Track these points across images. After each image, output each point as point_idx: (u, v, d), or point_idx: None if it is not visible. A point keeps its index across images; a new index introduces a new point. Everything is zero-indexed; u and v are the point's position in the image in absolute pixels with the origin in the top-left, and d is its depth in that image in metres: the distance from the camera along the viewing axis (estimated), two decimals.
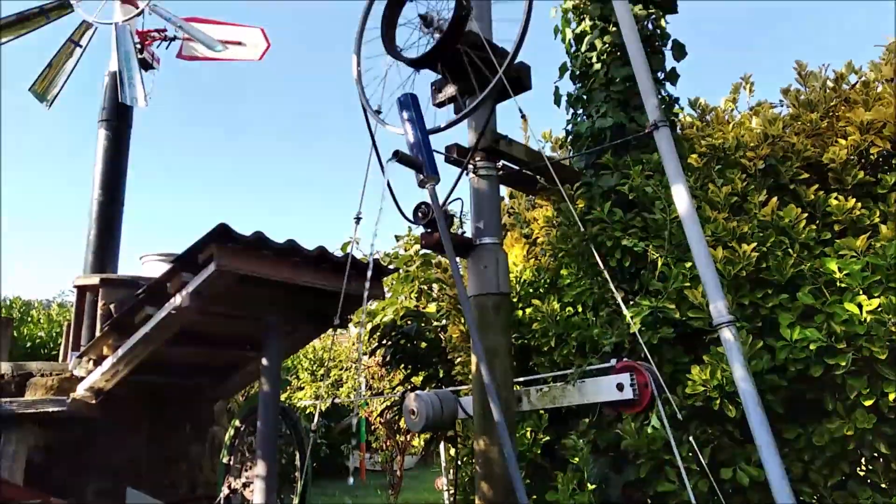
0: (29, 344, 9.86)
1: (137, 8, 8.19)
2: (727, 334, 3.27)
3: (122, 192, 7.64)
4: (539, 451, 4.36)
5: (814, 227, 3.99)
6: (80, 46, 8.02)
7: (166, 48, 8.65)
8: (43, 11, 8.01)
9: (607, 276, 3.84)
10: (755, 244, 3.90)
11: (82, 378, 5.87)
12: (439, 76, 4.40)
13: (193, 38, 8.32)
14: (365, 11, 4.40)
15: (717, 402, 3.74)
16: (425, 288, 6.94)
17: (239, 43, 8.97)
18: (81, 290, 6.61)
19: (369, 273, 4.03)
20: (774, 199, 4.06)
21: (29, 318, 10.29)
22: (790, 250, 3.92)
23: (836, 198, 4.04)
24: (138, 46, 8.10)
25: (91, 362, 5.93)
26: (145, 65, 8.20)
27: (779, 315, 3.83)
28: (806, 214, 4.00)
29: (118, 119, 7.75)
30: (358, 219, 4.47)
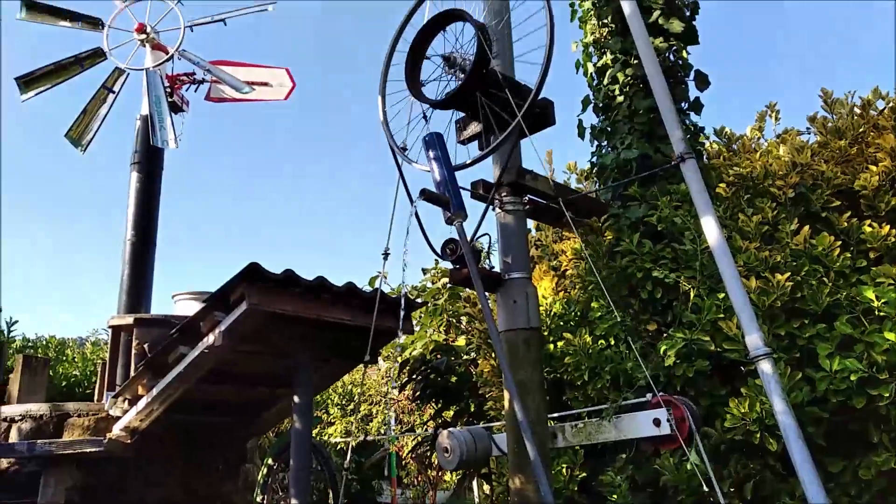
0: (64, 383, 10.01)
1: (167, 53, 8.43)
2: (765, 367, 3.22)
3: (155, 233, 7.79)
4: (576, 488, 4.31)
5: (848, 254, 3.94)
6: (113, 92, 8.26)
7: (195, 91, 8.88)
8: (78, 60, 8.29)
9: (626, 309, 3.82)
10: (789, 273, 3.86)
11: (118, 418, 5.94)
12: (464, 114, 4.47)
13: (221, 80, 8.54)
14: (388, 55, 4.50)
15: (758, 435, 3.67)
16: (454, 321, 6.94)
17: (265, 84, 9.18)
18: (116, 330, 6.72)
19: (402, 312, 4.04)
20: (806, 227, 4.02)
21: (64, 357, 10.47)
22: (825, 279, 3.86)
23: (869, 225, 3.99)
24: (168, 90, 8.33)
25: (126, 402, 6.01)
26: (175, 108, 8.42)
27: (817, 345, 3.76)
28: (839, 242, 3.95)
29: (150, 161, 7.94)
30: (386, 254, 4.51)
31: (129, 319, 6.70)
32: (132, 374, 6.11)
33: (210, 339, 5.17)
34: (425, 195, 3.76)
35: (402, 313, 4.01)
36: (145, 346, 6.64)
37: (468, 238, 3.85)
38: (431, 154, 4.01)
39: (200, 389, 5.90)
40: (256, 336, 5.32)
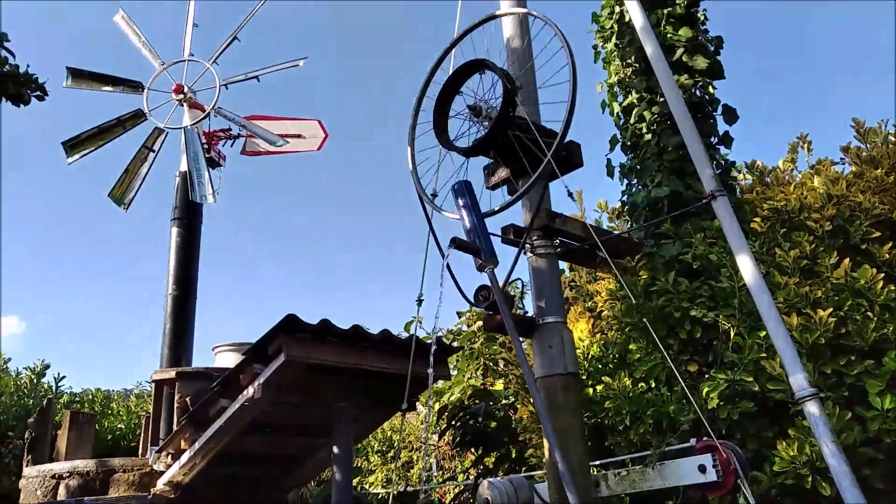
0: (110, 436, 10.17)
1: (204, 111, 8.73)
2: (811, 408, 3.12)
3: (195, 286, 7.97)
4: None
5: (893, 287, 3.82)
6: (154, 151, 8.57)
7: (231, 146, 9.15)
8: (120, 122, 8.64)
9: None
10: (831, 309, 3.76)
11: (162, 472, 6.00)
12: (491, 160, 4.51)
13: (255, 135, 8.79)
14: (416, 106, 4.58)
15: (809, 479, 3.54)
16: (491, 364, 6.89)
17: (299, 136, 9.41)
18: (158, 384, 6.83)
19: (432, 358, 4.04)
20: (846, 260, 3.92)
21: (109, 411, 10.66)
22: (869, 313, 3.75)
23: None
24: (205, 146, 8.60)
25: (169, 456, 6.07)
26: (212, 163, 8.67)
27: (866, 382, 3.64)
28: (882, 274, 3.84)
29: (189, 216, 8.16)
30: (420, 301, 4.54)
31: (172, 373, 6.82)
32: (175, 428, 6.18)
33: (249, 391, 5.23)
34: (456, 244, 3.79)
35: (431, 361, 4.00)
36: (187, 399, 6.72)
37: (500, 284, 3.86)
38: (461, 202, 4.04)
39: (241, 441, 5.93)
40: (295, 387, 5.35)
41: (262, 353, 5.12)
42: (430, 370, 3.88)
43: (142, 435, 7.32)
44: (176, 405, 6.76)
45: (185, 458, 5.76)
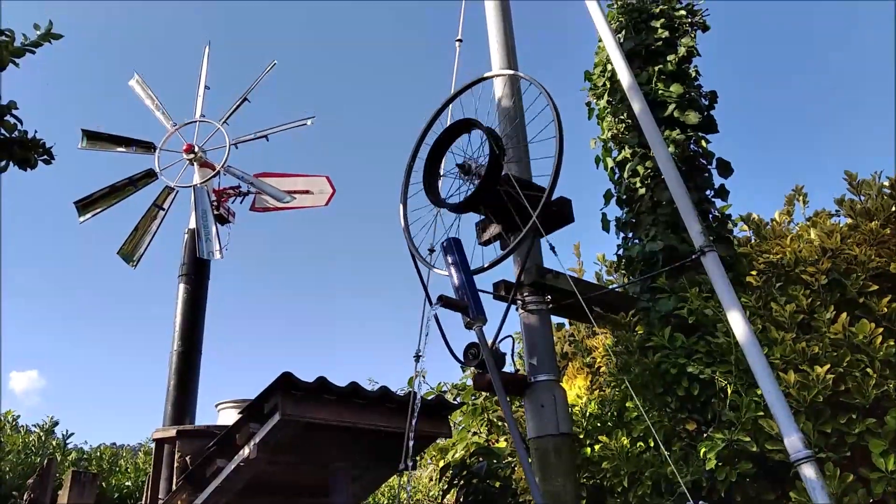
0: (117, 494, 10.07)
1: (214, 170, 8.91)
2: (807, 471, 3.02)
3: (200, 343, 7.98)
4: None
5: (892, 342, 3.72)
6: (164, 209, 8.73)
7: (241, 203, 9.30)
8: (132, 182, 8.84)
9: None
10: (829, 365, 3.66)
11: None
12: (483, 216, 4.53)
13: (263, 191, 8.94)
14: (408, 165, 4.65)
15: None
16: (495, 420, 6.76)
17: (307, 191, 9.56)
18: (160, 443, 6.78)
19: (414, 420, 3.97)
20: (844, 314, 3.84)
21: (117, 468, 10.58)
22: (869, 369, 3.65)
23: None
24: (215, 203, 8.74)
25: None
26: (221, 220, 8.81)
27: (868, 442, 3.51)
28: (881, 329, 3.75)
29: (196, 273, 8.24)
30: (417, 357, 4.50)
31: (172, 432, 6.77)
32: (174, 488, 6.11)
33: (245, 451, 5.17)
34: (443, 301, 3.78)
35: (414, 420, 3.94)
36: (187, 458, 6.67)
37: (488, 343, 3.82)
38: (450, 259, 4.05)
39: (239, 503, 5.85)
40: (292, 446, 5.29)
41: (258, 411, 5.09)
42: (411, 434, 3.81)
43: (145, 496, 7.23)
44: (176, 464, 6.70)
45: None
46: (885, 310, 3.87)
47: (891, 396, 3.55)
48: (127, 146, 9.10)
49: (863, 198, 4.45)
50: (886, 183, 4.39)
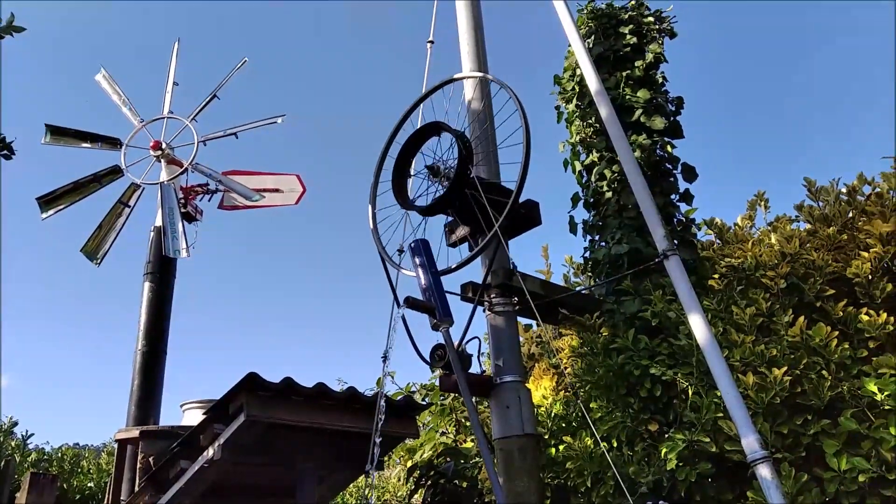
0: (79, 496, 9.88)
1: (181, 167, 8.78)
2: (763, 472, 3.08)
3: (165, 342, 7.86)
4: None
5: (847, 345, 3.82)
6: (129, 206, 8.57)
7: (209, 200, 9.17)
8: (96, 178, 8.66)
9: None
10: (787, 367, 3.75)
11: None
12: (452, 218, 4.55)
13: (232, 189, 8.83)
14: (377, 167, 4.64)
15: None
16: (464, 420, 6.78)
17: (276, 190, 9.46)
18: (122, 444, 6.67)
19: (381, 421, 3.97)
20: (802, 318, 3.94)
21: (79, 469, 10.38)
22: (825, 372, 3.74)
23: (866, 313, 3.89)
24: (182, 201, 8.61)
25: None
26: (189, 217, 8.68)
27: (823, 443, 3.60)
28: (837, 332, 3.85)
29: (162, 271, 8.10)
30: (385, 357, 4.49)
31: (135, 432, 6.66)
32: (136, 489, 6.02)
33: (209, 452, 5.11)
34: (409, 303, 3.79)
35: (380, 421, 3.94)
36: (150, 459, 6.57)
37: (455, 344, 3.84)
38: (417, 261, 4.05)
39: None
40: (257, 447, 5.24)
41: (223, 412, 5.03)
42: (377, 437, 3.81)
43: (107, 497, 7.10)
44: (139, 465, 6.59)
45: None
46: (841, 314, 3.97)
47: (845, 398, 3.65)
48: (92, 142, 8.92)
49: (821, 204, 4.57)
50: (844, 190, 4.51)
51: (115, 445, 7.18)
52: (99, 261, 8.42)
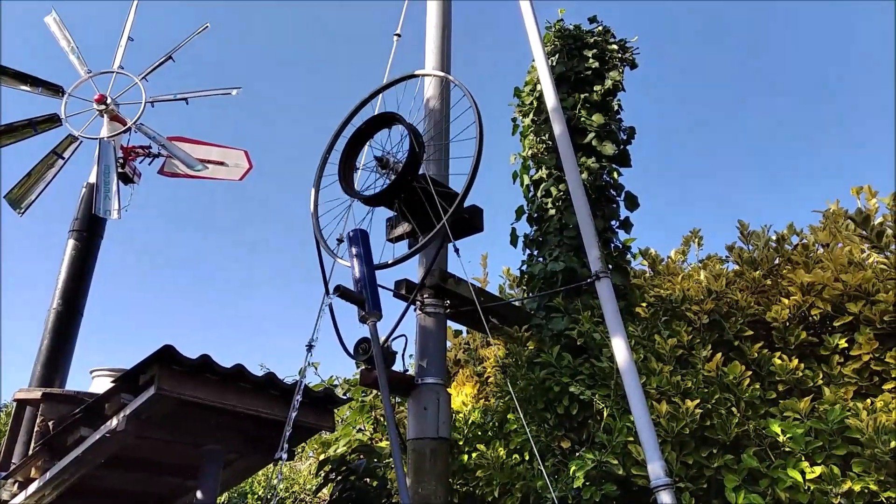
0: None
1: (125, 125, 8.45)
2: (665, 499, 3.16)
3: (83, 304, 7.52)
4: None
5: (758, 385, 3.97)
6: (63, 158, 8.18)
7: (149, 164, 8.85)
8: (31, 124, 8.24)
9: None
10: (699, 400, 3.86)
11: (5, 502, 5.51)
12: (395, 213, 4.51)
13: (174, 156, 8.55)
14: (326, 151, 4.57)
15: None
16: (382, 419, 6.73)
17: (221, 163, 9.19)
18: (21, 404, 6.35)
19: (295, 410, 3.90)
20: (719, 354, 4.06)
21: None
22: (734, 409, 3.87)
23: (780, 357, 4.05)
24: (121, 161, 8.28)
25: (17, 484, 5.59)
26: (126, 179, 8.35)
27: (724, 477, 3.71)
28: (750, 372, 3.99)
29: (89, 230, 7.77)
30: (310, 346, 4.41)
31: (37, 393, 6.35)
32: (31, 452, 5.73)
33: (113, 422, 4.90)
34: (340, 292, 3.72)
35: (295, 410, 3.86)
36: (50, 423, 6.27)
37: (381, 340, 3.79)
38: (354, 250, 3.99)
39: (101, 476, 5.54)
40: (165, 422, 5.06)
41: (133, 382, 4.84)
42: (290, 425, 3.73)
43: None
44: (37, 429, 6.28)
45: (32, 488, 5.32)
46: (756, 355, 4.12)
47: (750, 436, 3.77)
48: (32, 86, 8.48)
49: (751, 247, 4.73)
50: (773, 237, 4.69)
51: (14, 405, 6.83)
52: (23, 210, 8.02)
